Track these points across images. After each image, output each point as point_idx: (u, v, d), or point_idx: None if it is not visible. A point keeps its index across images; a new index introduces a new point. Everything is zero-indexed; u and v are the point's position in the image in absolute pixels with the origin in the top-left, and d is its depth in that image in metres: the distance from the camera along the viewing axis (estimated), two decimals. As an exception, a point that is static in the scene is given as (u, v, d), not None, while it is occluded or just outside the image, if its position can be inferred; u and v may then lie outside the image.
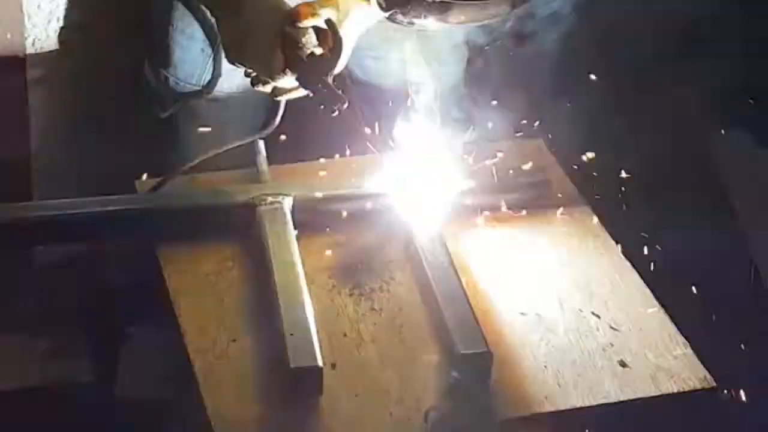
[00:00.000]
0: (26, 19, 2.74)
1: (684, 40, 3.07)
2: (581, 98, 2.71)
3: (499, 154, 2.33)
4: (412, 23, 2.05)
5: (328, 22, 2.19)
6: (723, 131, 2.92)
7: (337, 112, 2.13)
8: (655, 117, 3.00)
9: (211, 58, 2.44)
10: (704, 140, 2.89)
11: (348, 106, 2.13)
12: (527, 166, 2.35)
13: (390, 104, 2.36)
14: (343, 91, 2.14)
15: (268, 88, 2.25)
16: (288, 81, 2.21)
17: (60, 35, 2.79)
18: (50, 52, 2.80)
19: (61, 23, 2.78)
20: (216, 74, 2.44)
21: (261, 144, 2.35)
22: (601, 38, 2.80)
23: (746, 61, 2.91)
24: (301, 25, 2.17)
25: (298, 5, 2.20)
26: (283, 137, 2.34)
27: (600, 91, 2.76)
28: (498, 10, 2.03)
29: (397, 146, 2.25)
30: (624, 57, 3.00)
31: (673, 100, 3.00)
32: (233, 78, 2.43)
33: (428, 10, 2.01)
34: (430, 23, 2.04)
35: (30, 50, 2.78)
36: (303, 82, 2.19)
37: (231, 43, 2.22)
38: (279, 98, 2.28)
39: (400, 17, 2.05)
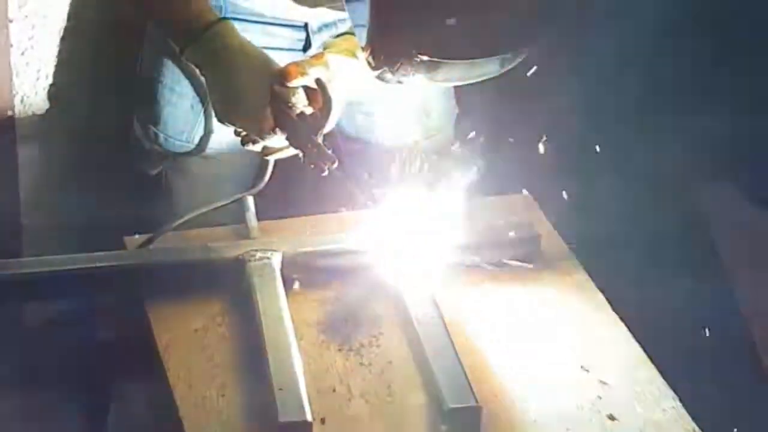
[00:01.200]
0: (15, 76, 2.75)
1: (669, 94, 3.10)
2: (567, 154, 2.72)
3: (488, 209, 2.34)
4: (400, 82, 2.06)
5: (318, 81, 2.20)
6: (711, 186, 2.93)
7: (327, 172, 2.14)
8: (642, 171, 3.02)
9: (201, 115, 2.44)
10: (692, 195, 2.91)
11: (338, 166, 2.14)
12: (516, 221, 2.36)
13: (380, 160, 2.37)
14: (333, 150, 2.15)
15: (257, 147, 2.26)
16: (277, 140, 2.23)
17: (48, 92, 2.80)
18: (39, 109, 2.81)
19: (49, 80, 2.79)
20: (207, 131, 2.45)
21: (250, 200, 2.36)
22: (588, 93, 2.82)
23: (733, 116, 2.93)
24: (290, 84, 2.19)
25: (288, 65, 2.22)
26: (271, 193, 2.35)
27: (586, 147, 2.78)
28: (487, 70, 2.03)
29: (387, 202, 2.25)
30: (610, 111, 3.02)
31: (659, 155, 3.02)
32: (222, 135, 2.44)
33: (417, 68, 2.02)
34: (418, 82, 2.05)
35: (18, 107, 2.79)
36: (293, 142, 2.21)
37: (220, 102, 2.24)
38: (268, 157, 2.29)
39: (388, 76, 2.06)
